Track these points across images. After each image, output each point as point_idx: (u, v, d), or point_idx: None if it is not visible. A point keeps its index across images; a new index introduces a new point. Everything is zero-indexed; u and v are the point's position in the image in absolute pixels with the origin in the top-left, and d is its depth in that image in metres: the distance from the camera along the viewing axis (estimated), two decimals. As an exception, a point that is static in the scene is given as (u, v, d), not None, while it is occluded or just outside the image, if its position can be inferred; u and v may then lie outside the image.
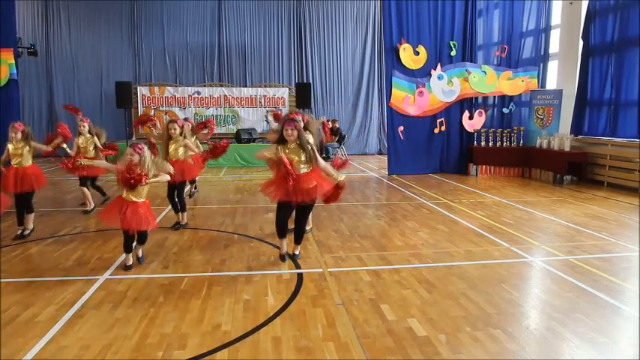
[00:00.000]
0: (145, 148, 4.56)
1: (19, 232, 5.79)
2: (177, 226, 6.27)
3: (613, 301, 3.91)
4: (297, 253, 5.01)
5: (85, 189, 7.18)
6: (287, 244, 4.94)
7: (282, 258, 4.89)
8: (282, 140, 4.58)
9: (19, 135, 5.62)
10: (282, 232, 4.85)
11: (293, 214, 4.99)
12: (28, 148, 5.69)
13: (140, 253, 4.87)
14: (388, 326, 3.45)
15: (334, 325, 3.46)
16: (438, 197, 8.53)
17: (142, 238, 4.79)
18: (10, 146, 5.65)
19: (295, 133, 4.50)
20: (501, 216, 7.02)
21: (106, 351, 3.09)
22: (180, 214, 6.31)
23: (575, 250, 5.36)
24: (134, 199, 4.49)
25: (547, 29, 11.68)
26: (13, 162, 5.67)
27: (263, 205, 7.83)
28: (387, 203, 8.16)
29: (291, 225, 5.09)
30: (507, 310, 3.74)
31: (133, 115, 15.08)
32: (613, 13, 9.68)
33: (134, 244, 4.74)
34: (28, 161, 5.71)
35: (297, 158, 4.55)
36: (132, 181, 4.33)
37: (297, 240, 4.99)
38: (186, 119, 7.40)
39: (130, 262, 4.68)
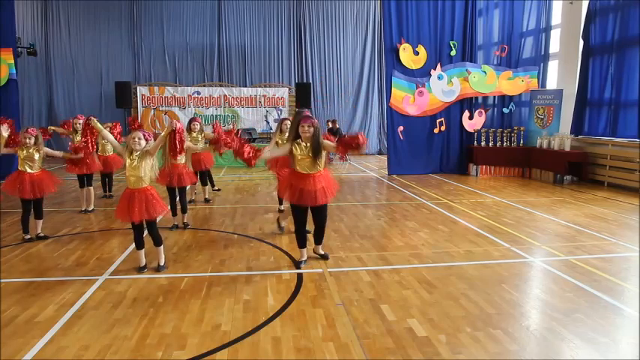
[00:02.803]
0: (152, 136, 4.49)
1: (28, 236, 5.65)
2: (178, 225, 6.26)
3: (614, 302, 3.90)
4: (322, 252, 4.95)
5: (89, 189, 7.18)
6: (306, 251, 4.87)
7: (299, 265, 4.76)
8: (295, 137, 4.48)
9: (32, 140, 5.51)
10: (302, 242, 4.80)
11: (291, 216, 4.95)
12: (39, 153, 5.57)
13: (162, 261, 4.66)
14: (388, 326, 3.44)
15: (334, 326, 3.45)
16: (438, 197, 8.52)
17: (154, 232, 4.58)
18: (21, 152, 5.50)
19: (312, 130, 4.37)
20: (501, 216, 7.01)
21: (105, 351, 3.08)
22: (182, 215, 6.30)
23: (576, 250, 5.35)
24: (143, 184, 4.40)
25: (547, 29, 11.67)
26: (23, 168, 5.51)
27: (263, 205, 7.84)
28: (387, 203, 8.15)
29: (290, 224, 5.05)
30: (508, 311, 3.73)
31: (133, 115, 15.08)
32: (613, 13, 9.67)
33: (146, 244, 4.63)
34: (39, 167, 5.60)
35: (309, 157, 4.43)
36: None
37: (318, 240, 4.89)
38: (194, 119, 7.42)
39: (144, 264, 4.60)
